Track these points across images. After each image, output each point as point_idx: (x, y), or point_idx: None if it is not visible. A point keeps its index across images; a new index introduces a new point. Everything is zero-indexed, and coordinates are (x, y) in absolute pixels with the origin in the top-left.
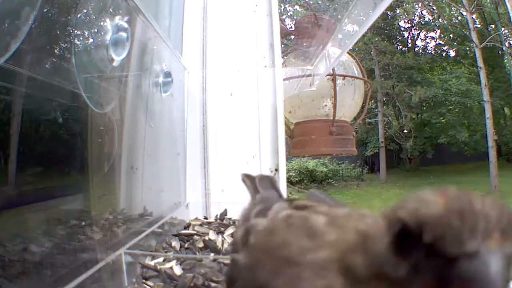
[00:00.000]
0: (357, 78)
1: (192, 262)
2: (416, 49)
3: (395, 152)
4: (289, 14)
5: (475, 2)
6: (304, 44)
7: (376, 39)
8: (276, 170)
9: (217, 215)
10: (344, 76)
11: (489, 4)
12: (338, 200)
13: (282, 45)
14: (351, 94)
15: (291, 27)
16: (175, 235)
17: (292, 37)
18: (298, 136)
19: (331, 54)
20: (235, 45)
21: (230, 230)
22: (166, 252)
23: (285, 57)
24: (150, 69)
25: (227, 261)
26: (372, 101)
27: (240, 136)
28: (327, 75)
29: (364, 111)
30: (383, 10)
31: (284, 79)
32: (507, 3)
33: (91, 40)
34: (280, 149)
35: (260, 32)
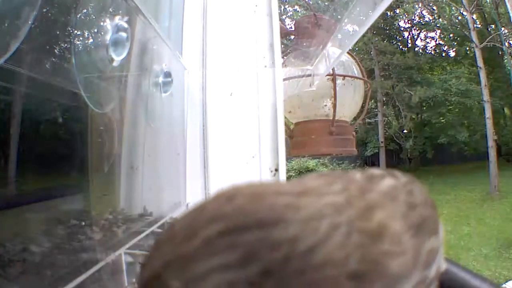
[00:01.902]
0: (357, 78)
1: None
2: (416, 49)
3: (395, 152)
4: (289, 14)
5: (475, 2)
6: (304, 44)
7: (376, 39)
8: (276, 170)
9: None
10: (344, 76)
11: (489, 4)
12: None
13: (282, 45)
14: (351, 94)
15: (291, 27)
16: None
17: (292, 37)
18: (298, 136)
19: (331, 54)
20: (235, 45)
21: None
22: None
23: (285, 57)
24: (150, 69)
25: None
26: (372, 101)
27: (240, 136)
28: (327, 75)
29: (364, 111)
30: (383, 10)
31: (284, 79)
32: (507, 3)
33: (91, 40)
34: (280, 149)
35: (260, 32)
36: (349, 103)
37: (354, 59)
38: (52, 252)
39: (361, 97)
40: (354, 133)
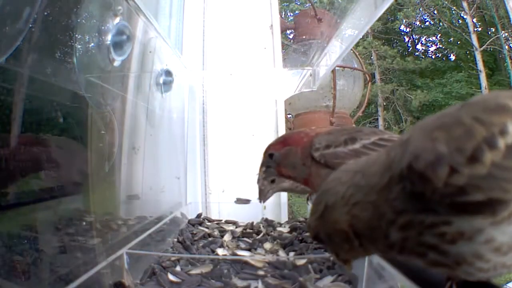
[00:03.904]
0: (356, 69)
1: (192, 262)
2: (417, 53)
3: None
4: (289, 14)
5: (475, 5)
6: (305, 43)
7: (377, 43)
8: None
9: (217, 215)
10: (344, 67)
11: (489, 7)
12: None
13: (282, 45)
14: (351, 86)
15: (291, 26)
16: (175, 235)
17: (291, 34)
18: (298, 127)
19: (331, 54)
20: (235, 45)
21: (230, 230)
22: (166, 252)
23: (285, 57)
24: (150, 69)
25: (227, 261)
26: (372, 106)
27: (240, 136)
28: None
29: (365, 103)
30: (384, 11)
31: (285, 79)
32: (507, 5)
33: (92, 40)
34: None
35: (260, 32)
36: (349, 96)
37: (354, 52)
38: (52, 252)
39: (361, 89)
40: (354, 125)
